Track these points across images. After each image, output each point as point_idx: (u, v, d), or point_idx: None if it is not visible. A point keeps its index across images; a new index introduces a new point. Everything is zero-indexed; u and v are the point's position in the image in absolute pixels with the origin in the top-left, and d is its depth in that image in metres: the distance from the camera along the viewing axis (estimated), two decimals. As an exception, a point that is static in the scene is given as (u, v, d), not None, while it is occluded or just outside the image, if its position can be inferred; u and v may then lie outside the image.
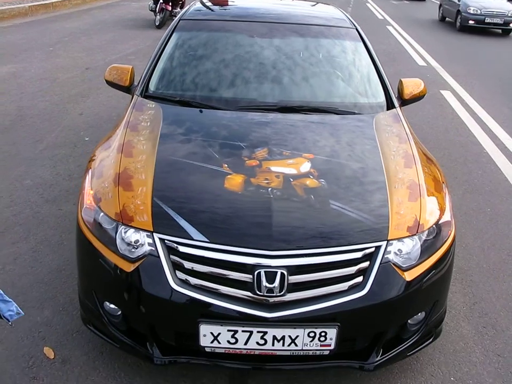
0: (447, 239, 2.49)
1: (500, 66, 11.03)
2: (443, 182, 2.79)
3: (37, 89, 7.58)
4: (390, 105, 3.34)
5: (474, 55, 12.22)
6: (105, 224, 2.37)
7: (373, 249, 2.27)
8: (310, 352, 2.25)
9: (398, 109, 3.33)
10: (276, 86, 3.33)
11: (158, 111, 3.05)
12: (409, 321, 2.43)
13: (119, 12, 15.95)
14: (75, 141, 5.64)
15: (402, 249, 2.34)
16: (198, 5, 4.28)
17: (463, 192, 4.88)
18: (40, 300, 3.08)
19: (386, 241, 2.29)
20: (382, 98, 3.38)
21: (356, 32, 3.85)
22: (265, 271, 2.16)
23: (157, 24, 12.89)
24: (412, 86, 3.64)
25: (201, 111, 3.07)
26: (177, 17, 3.97)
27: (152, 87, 3.34)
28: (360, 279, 2.25)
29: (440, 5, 18.75)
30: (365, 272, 2.26)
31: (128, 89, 3.54)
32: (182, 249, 2.21)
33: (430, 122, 6.86)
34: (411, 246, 2.36)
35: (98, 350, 2.71)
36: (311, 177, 2.49)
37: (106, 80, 3.61)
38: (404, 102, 3.59)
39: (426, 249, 2.39)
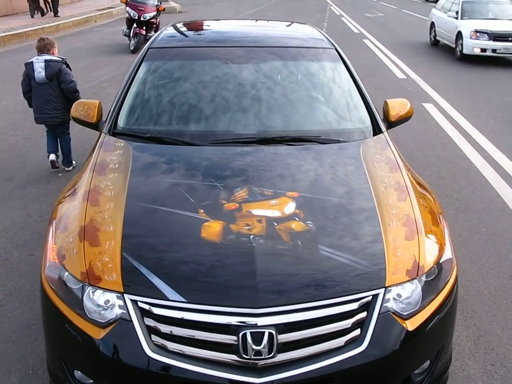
0: (449, 279, 2.27)
1: (477, 75, 10.98)
2: (440, 213, 2.58)
3: (8, 122, 7.33)
4: (376, 130, 3.13)
5: (450, 66, 12.18)
6: (71, 284, 2.12)
7: (370, 298, 2.05)
8: None
9: (386, 133, 3.12)
10: (254, 116, 3.12)
11: (127, 151, 2.81)
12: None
13: (93, 38, 15.74)
14: (48, 178, 5.38)
15: (401, 294, 2.12)
16: (169, 30, 4.07)
17: (455, 212, 4.69)
18: (7, 362, 2.80)
19: (384, 289, 2.06)
20: (367, 122, 3.18)
21: (336, 53, 3.66)
22: (251, 332, 1.92)
23: (131, 49, 12.69)
24: (398, 106, 3.44)
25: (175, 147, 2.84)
26: (145, 46, 3.75)
27: (120, 123, 3.10)
28: (357, 332, 2.02)
29: None
30: (362, 324, 2.03)
31: (96, 126, 3.29)
32: (156, 311, 1.97)
33: (415, 137, 6.71)
34: (411, 290, 2.14)
35: (71, 422, 2.43)
36: (297, 219, 2.26)
37: (72, 117, 3.37)
38: (390, 125, 3.39)
39: (428, 292, 2.17)
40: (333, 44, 3.75)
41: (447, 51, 13.63)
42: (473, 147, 6.44)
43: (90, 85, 9.63)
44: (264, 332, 1.92)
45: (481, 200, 4.95)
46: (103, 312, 2.04)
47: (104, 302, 2.05)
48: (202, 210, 2.29)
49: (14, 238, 4.14)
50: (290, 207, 2.33)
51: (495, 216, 4.63)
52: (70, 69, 5.43)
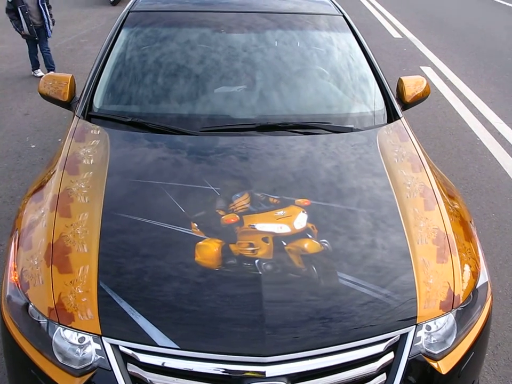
0: (484, 306, 1.94)
1: (475, 34, 10.49)
2: (470, 221, 2.23)
3: (-24, 84, 6.75)
4: (392, 115, 2.73)
5: (446, 21, 11.65)
6: (37, 317, 1.74)
7: (398, 338, 1.71)
8: None
9: (403, 119, 2.73)
10: (253, 98, 2.69)
11: (104, 141, 2.38)
12: None
13: (70, -13, 14.78)
14: (19, 150, 4.90)
15: (431, 326, 1.79)
16: None
17: (462, 193, 4.34)
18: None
19: (415, 326, 1.72)
20: (381, 105, 2.78)
21: (343, 20, 3.22)
22: (258, 384, 1.58)
23: (111, 0, 11.92)
24: (414, 85, 3.04)
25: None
26: (125, 8, 3.26)
27: (97, 103, 2.66)
28: (383, 377, 1.69)
29: None
30: (389, 369, 1.70)
31: (68, 105, 2.85)
32: (143, 358, 1.62)
33: (414, 106, 6.29)
34: (443, 322, 1.81)
35: None
36: (310, 236, 1.89)
37: (41, 94, 2.91)
38: (404, 106, 3.01)
39: (461, 323, 1.84)
40: (340, 10, 3.30)
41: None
42: (476, 118, 6.06)
43: (67, 40, 9.00)
44: (273, 384, 1.58)
45: (489, 180, 4.62)
46: (78, 352, 1.68)
47: (79, 340, 1.69)
48: (196, 225, 1.91)
49: (-19, 223, 3.73)
50: (301, 220, 1.95)
51: (505, 199, 4.31)
52: None
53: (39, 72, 6.97)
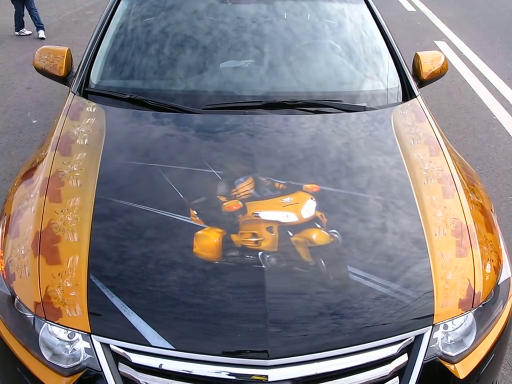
0: (506, 303, 1.80)
1: (491, 7, 10.13)
2: (491, 210, 2.08)
3: (-22, 56, 6.60)
4: (408, 93, 2.56)
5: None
6: (24, 310, 1.62)
7: (412, 339, 1.57)
8: None
9: (420, 98, 2.55)
10: (259, 73, 2.52)
11: (100, 119, 2.22)
12: None
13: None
14: (20, 125, 4.77)
15: (448, 325, 1.65)
16: None
17: (478, 175, 4.16)
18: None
19: (431, 327, 1.58)
20: (396, 82, 2.60)
21: None
22: (260, 389, 1.45)
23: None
24: (431, 61, 2.85)
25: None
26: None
27: (94, 78, 2.50)
28: (395, 381, 1.56)
29: None
30: (402, 372, 1.57)
31: (65, 81, 2.69)
32: (135, 358, 1.49)
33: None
34: (461, 320, 1.67)
35: None
36: (319, 226, 1.74)
37: (36, 68, 2.76)
38: (420, 84, 2.82)
39: (481, 322, 1.70)
40: None
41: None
42: (492, 95, 5.84)
43: (72, 12, 8.78)
44: (277, 389, 1.46)
45: (506, 161, 4.43)
46: (67, 348, 1.56)
47: (68, 336, 1.57)
48: (195, 212, 1.76)
49: (-22, 202, 3.61)
50: (309, 208, 1.80)
51: (523, 181, 4.14)
52: None
53: (26, 31, 7.41)
